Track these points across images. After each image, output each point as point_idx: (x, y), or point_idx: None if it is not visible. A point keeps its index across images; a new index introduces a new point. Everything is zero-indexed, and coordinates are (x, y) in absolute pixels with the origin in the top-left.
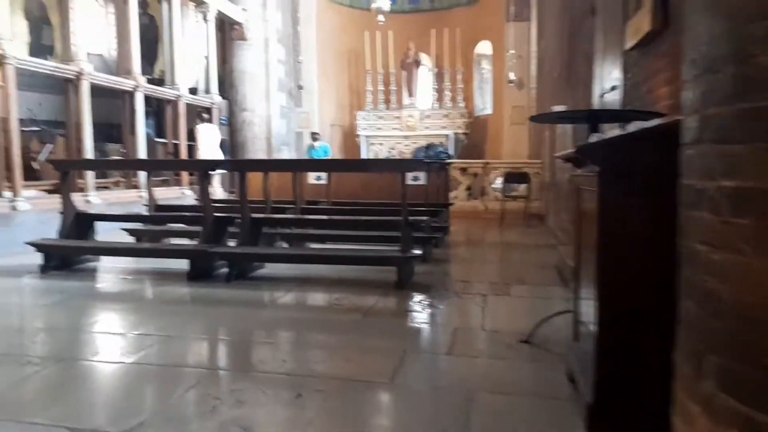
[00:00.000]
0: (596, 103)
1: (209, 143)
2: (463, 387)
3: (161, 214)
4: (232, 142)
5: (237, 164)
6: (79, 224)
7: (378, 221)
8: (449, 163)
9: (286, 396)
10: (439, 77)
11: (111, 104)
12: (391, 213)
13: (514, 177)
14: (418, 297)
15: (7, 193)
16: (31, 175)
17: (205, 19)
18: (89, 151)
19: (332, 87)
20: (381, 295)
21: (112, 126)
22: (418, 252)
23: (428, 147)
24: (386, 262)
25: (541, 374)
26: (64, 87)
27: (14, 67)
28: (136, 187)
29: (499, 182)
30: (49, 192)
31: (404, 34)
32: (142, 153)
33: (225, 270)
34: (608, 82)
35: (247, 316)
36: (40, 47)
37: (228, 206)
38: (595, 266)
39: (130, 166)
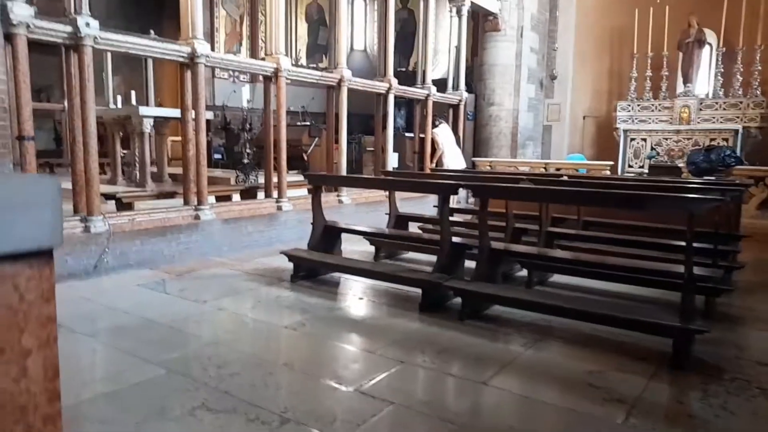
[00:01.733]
0: None
1: (448, 144)
2: None
3: (398, 232)
4: (475, 138)
5: (479, 190)
6: (327, 236)
7: (646, 269)
8: (738, 184)
9: None
10: (728, 57)
11: (370, 96)
12: (661, 245)
13: None
14: (702, 387)
15: (274, 194)
16: (300, 165)
17: (458, 12)
18: (344, 145)
19: (588, 74)
20: (650, 376)
21: (370, 117)
22: (704, 328)
23: (709, 149)
24: (658, 331)
25: None
26: (327, 92)
27: (284, 78)
28: None
29: None
30: (310, 191)
31: (685, 8)
32: (390, 147)
33: (458, 300)
34: None
35: (475, 381)
36: (316, 47)
37: (468, 222)
38: None
39: (373, 184)
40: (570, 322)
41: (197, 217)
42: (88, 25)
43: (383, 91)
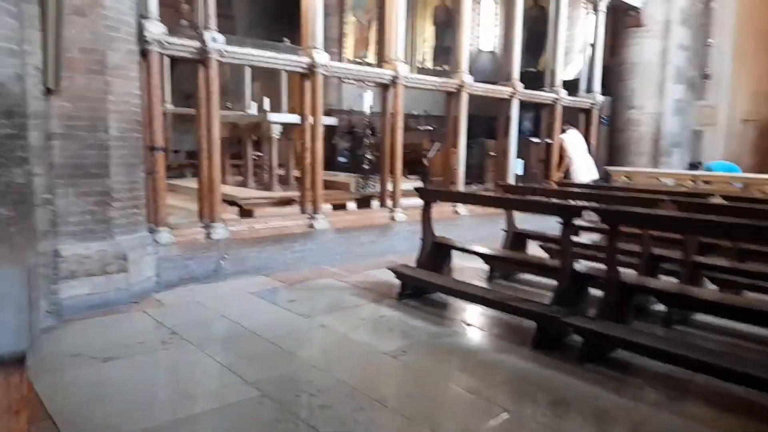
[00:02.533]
0: None
1: (577, 152)
2: None
3: (513, 255)
4: (611, 145)
5: (608, 215)
6: (436, 252)
7: None
8: None
9: None
10: None
11: (494, 98)
12: None
13: None
14: None
15: (388, 203)
16: (421, 170)
17: (595, 8)
18: (462, 151)
19: (749, 73)
20: None
21: (493, 120)
22: None
23: None
24: None
25: None
26: (447, 97)
27: (402, 85)
28: None
29: None
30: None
31: None
32: (513, 153)
33: (578, 338)
34: None
35: None
36: (442, 49)
37: (596, 245)
38: None
39: (488, 202)
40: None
41: (312, 226)
42: (214, 39)
43: (507, 96)
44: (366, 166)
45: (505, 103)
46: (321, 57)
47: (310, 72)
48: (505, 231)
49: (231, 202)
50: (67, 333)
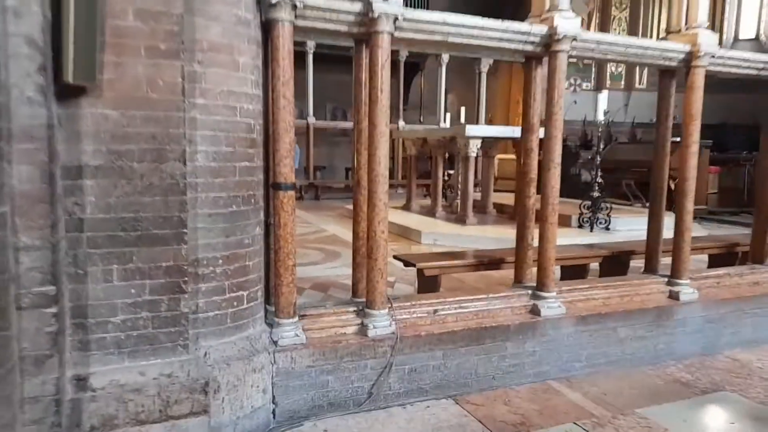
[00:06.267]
0: None
1: None
2: None
3: None
4: None
5: None
6: None
7: None
8: None
9: None
10: None
11: None
12: None
13: None
14: None
15: (660, 267)
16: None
17: None
18: None
19: None
20: None
21: (756, 129)
22: None
23: None
24: None
25: None
26: None
27: (703, 68)
28: None
29: None
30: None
31: None
32: None
33: None
34: None
35: None
36: None
37: None
38: None
39: None
40: None
41: (534, 311)
42: None
43: None
44: (595, 193)
45: None
46: (565, 23)
47: (544, 49)
48: None
49: (406, 262)
50: None
